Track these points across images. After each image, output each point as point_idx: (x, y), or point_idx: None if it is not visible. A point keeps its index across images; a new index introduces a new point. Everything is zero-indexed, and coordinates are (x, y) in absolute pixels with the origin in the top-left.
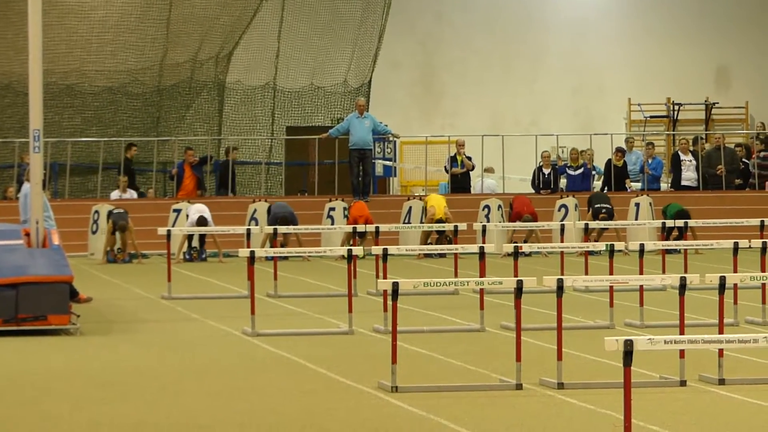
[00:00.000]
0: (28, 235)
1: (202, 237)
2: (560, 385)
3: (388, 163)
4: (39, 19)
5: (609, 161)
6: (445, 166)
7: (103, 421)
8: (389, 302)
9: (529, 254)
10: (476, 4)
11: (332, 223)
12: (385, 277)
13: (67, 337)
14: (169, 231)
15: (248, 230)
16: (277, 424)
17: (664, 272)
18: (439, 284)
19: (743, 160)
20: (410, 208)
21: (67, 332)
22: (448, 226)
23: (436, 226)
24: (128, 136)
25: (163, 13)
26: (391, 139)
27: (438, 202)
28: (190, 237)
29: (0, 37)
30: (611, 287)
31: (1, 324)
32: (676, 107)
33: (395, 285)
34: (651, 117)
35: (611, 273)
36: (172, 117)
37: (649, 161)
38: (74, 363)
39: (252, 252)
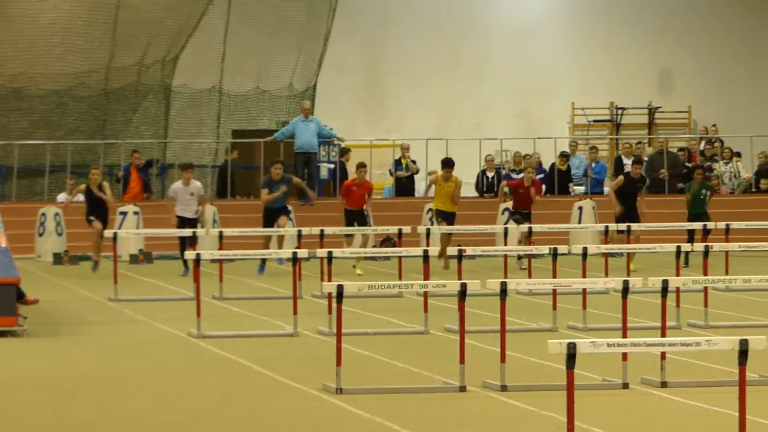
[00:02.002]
0: None
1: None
2: (503, 388)
3: (332, 166)
4: None
5: (553, 165)
6: (389, 170)
7: (50, 422)
8: (334, 305)
9: (474, 257)
10: (421, 8)
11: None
12: (329, 280)
13: (14, 338)
14: (115, 233)
15: (193, 233)
16: (223, 426)
17: (606, 275)
18: (383, 287)
19: (686, 163)
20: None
21: (13, 334)
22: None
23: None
24: (74, 139)
25: (110, 16)
26: (335, 142)
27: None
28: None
29: None
30: (554, 290)
31: None
32: (619, 111)
33: (340, 288)
34: (594, 121)
35: (554, 276)
36: (119, 120)
37: (593, 165)
38: (21, 365)
39: (198, 254)
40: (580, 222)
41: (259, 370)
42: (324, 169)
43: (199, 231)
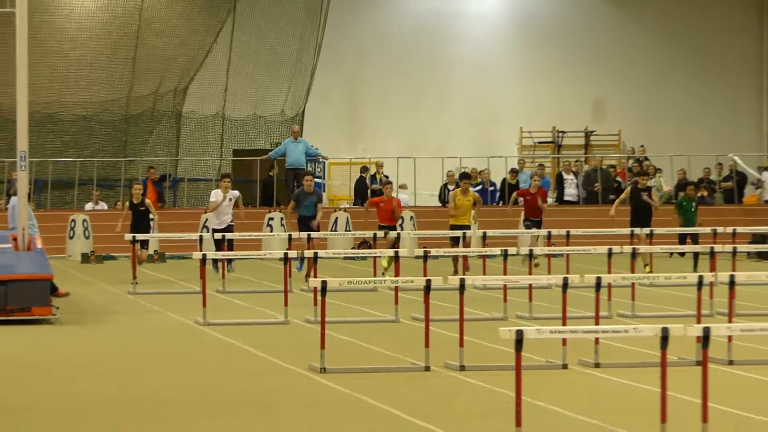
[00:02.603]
0: (15, 239)
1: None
2: (462, 368)
3: (318, 180)
4: (25, 58)
5: (504, 180)
6: (367, 184)
7: (79, 397)
8: (319, 297)
9: (437, 257)
10: (393, 47)
11: (271, 231)
12: (315, 276)
13: (48, 326)
14: (134, 237)
15: (200, 236)
16: (224, 399)
17: (549, 273)
18: (360, 282)
19: (616, 179)
20: (336, 218)
21: (48, 322)
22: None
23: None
24: (100, 157)
25: (130, 53)
26: (320, 160)
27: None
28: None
29: None
30: (505, 285)
31: None
32: (560, 134)
33: (324, 283)
34: (539, 143)
35: (505, 273)
36: (137, 141)
37: (544, 180)
38: (54, 348)
39: (204, 255)
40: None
41: (255, 353)
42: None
43: (230, 235)
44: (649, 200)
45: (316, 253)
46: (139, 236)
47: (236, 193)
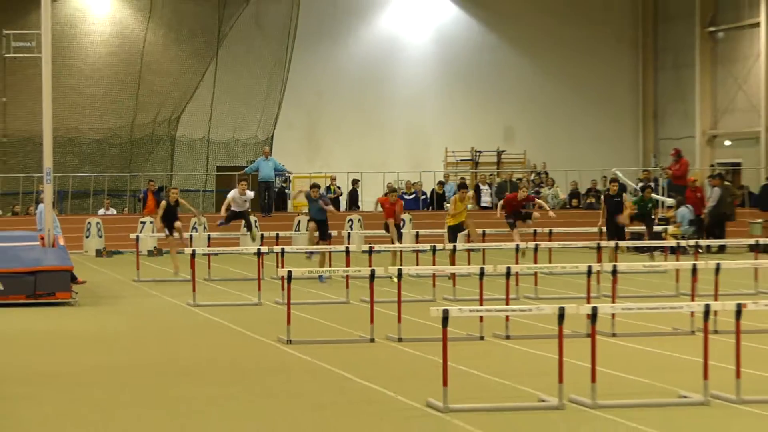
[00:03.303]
0: (42, 238)
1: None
2: (400, 339)
3: (282, 185)
4: (49, 93)
5: (433, 190)
6: (330, 190)
7: (96, 365)
8: (286, 284)
9: (380, 251)
10: (344, 85)
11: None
12: (283, 267)
13: (69, 307)
14: (137, 236)
15: (191, 236)
16: (209, 365)
17: (469, 264)
18: (318, 272)
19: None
20: (299, 221)
21: (69, 304)
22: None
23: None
24: (110, 172)
25: (134, 89)
26: (286, 174)
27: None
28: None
29: (23, 105)
30: (434, 274)
31: (24, 299)
32: (477, 153)
33: (289, 272)
34: (461, 160)
35: (434, 264)
36: (139, 159)
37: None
38: (74, 325)
39: (194, 251)
40: None
41: (234, 328)
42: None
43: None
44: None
45: (283, 249)
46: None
47: (251, 194)
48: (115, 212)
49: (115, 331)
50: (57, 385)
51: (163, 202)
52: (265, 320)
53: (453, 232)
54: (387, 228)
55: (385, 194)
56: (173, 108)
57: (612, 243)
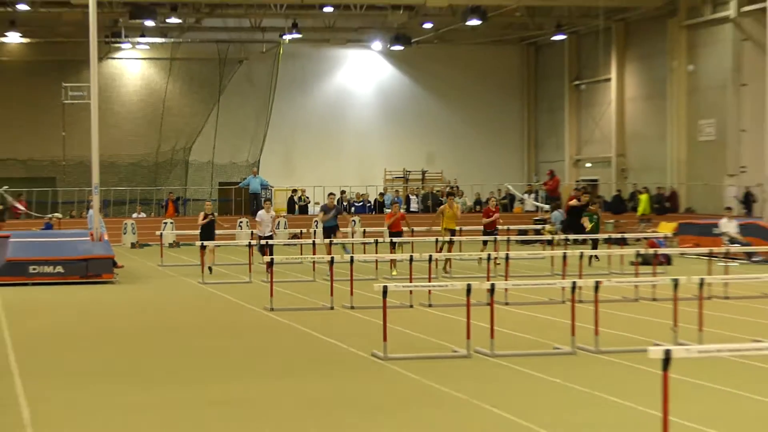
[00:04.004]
0: (92, 235)
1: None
2: (352, 307)
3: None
4: (96, 129)
5: (375, 199)
6: (295, 202)
7: (134, 327)
8: (271, 268)
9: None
10: (311, 122)
11: (241, 228)
12: (269, 255)
13: (111, 285)
14: (161, 233)
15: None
16: (213, 327)
17: (402, 253)
18: (294, 260)
19: (440, 198)
20: (279, 221)
21: (111, 283)
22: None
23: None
24: (141, 187)
25: (157, 125)
26: (269, 188)
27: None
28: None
29: (78, 138)
30: (376, 260)
31: (78, 278)
32: (408, 172)
33: (272, 259)
34: (396, 177)
35: (376, 253)
36: (162, 177)
37: (396, 198)
38: (116, 298)
39: (202, 243)
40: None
41: (232, 299)
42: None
43: (272, 241)
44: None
45: (267, 242)
46: (207, 242)
47: (274, 213)
48: (144, 215)
49: (144, 301)
50: (104, 339)
51: (201, 213)
52: (255, 294)
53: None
54: (393, 236)
55: (391, 208)
56: (186, 140)
57: (505, 237)
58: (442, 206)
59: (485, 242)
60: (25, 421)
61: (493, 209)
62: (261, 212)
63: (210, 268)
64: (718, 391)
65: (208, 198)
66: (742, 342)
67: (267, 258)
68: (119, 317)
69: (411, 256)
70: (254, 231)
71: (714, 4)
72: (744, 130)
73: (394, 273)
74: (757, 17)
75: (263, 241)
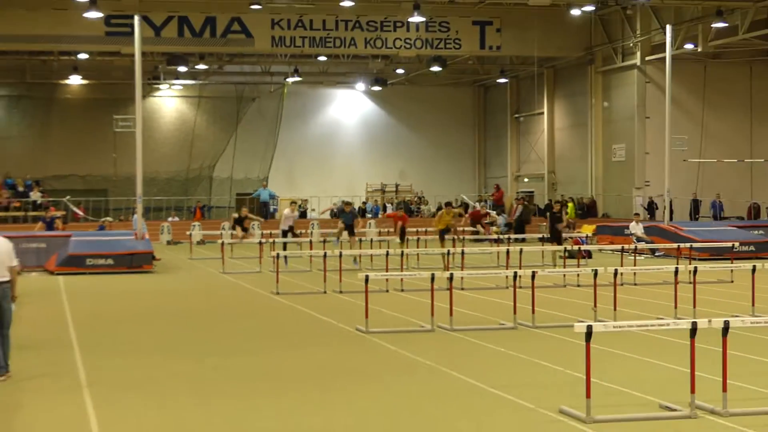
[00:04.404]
0: (135, 235)
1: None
2: (341, 292)
3: (275, 206)
4: (140, 151)
5: (360, 207)
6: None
7: (166, 306)
8: (279, 261)
9: (330, 241)
10: (309, 146)
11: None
12: (273, 250)
13: (151, 274)
14: (191, 233)
15: (221, 232)
16: (229, 308)
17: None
18: (296, 256)
19: (410, 206)
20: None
21: (151, 272)
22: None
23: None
24: (175, 197)
25: (188, 149)
26: (276, 198)
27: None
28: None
29: (126, 159)
30: (360, 254)
31: (126, 269)
32: (384, 185)
33: (278, 254)
34: (374, 189)
35: (352, 248)
36: (192, 189)
37: (375, 207)
38: (155, 285)
39: (222, 242)
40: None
41: (241, 284)
42: (271, 208)
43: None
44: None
45: (274, 240)
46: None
47: (297, 214)
48: (177, 219)
49: (177, 288)
50: (145, 318)
51: (235, 214)
52: (264, 281)
53: (441, 233)
54: (402, 233)
55: (394, 211)
56: (211, 160)
57: (462, 235)
58: (441, 210)
59: (442, 239)
60: (82, 383)
61: (484, 213)
62: (286, 210)
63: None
64: (629, 358)
65: (227, 205)
66: (648, 319)
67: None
68: (157, 300)
69: (387, 251)
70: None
71: (623, 54)
72: (648, 153)
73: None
74: (657, 65)
75: (285, 230)
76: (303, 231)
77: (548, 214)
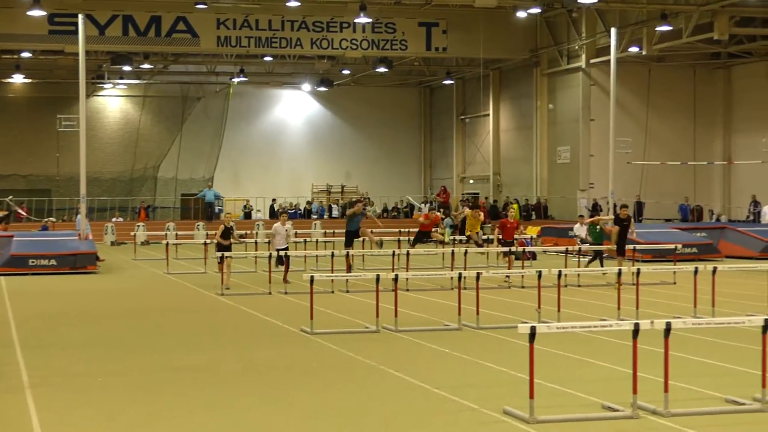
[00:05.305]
0: (79, 235)
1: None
2: (286, 293)
3: (220, 207)
4: (84, 151)
5: (305, 207)
6: (245, 209)
7: (112, 307)
8: (220, 260)
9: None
10: (255, 147)
11: (198, 231)
12: (218, 251)
13: (96, 274)
14: (135, 233)
15: (166, 233)
16: (174, 306)
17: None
18: (240, 255)
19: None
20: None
21: (95, 273)
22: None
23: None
24: (119, 197)
25: (132, 148)
26: (221, 198)
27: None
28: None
29: (69, 158)
30: (305, 256)
31: (69, 269)
32: (330, 186)
33: (222, 255)
34: (320, 191)
35: (334, 251)
36: (136, 190)
37: (322, 209)
38: (99, 285)
39: (167, 242)
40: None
41: (190, 286)
42: (216, 208)
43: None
44: (631, 230)
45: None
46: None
47: (290, 225)
48: (122, 219)
49: (121, 288)
50: (88, 318)
51: (222, 225)
52: (209, 282)
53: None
54: (424, 236)
55: (426, 215)
56: (155, 160)
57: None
58: (468, 212)
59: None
60: (24, 383)
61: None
62: (276, 225)
63: (225, 288)
64: (572, 359)
65: (172, 205)
66: (592, 320)
67: (281, 267)
68: (101, 300)
69: (332, 252)
70: (270, 242)
71: (568, 56)
72: (592, 155)
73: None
74: (602, 68)
75: (281, 253)
76: (248, 232)
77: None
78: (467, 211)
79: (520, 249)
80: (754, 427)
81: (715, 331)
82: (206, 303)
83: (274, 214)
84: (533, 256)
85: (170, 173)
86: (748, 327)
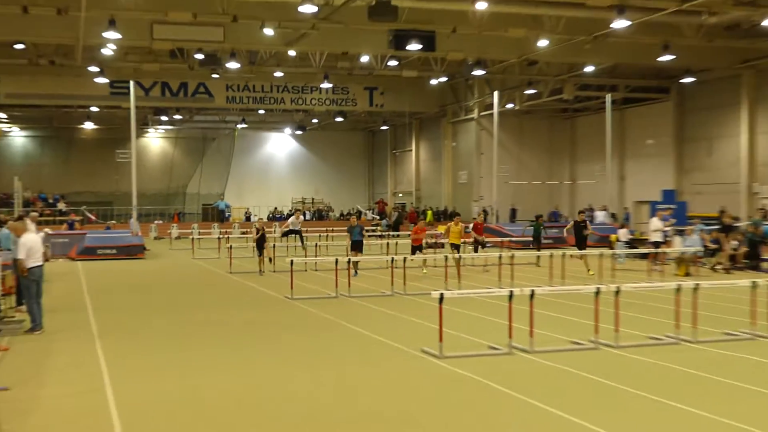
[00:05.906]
0: (132, 233)
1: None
2: (274, 272)
3: (228, 213)
4: (134, 175)
5: (288, 213)
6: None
7: (155, 281)
8: (229, 249)
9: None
10: (253, 172)
11: (214, 230)
12: (228, 245)
13: (144, 260)
14: (171, 231)
15: (192, 231)
16: (197, 281)
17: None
18: (245, 244)
19: (322, 212)
20: (234, 226)
21: (143, 259)
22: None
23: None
24: (158, 206)
25: (168, 173)
26: (229, 206)
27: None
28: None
29: (124, 180)
30: (291, 260)
31: (125, 256)
32: (304, 198)
33: (230, 246)
34: (297, 202)
35: (315, 250)
36: (171, 201)
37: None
38: (145, 266)
39: (192, 237)
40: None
41: (209, 267)
42: (226, 214)
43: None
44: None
45: (228, 236)
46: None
47: (301, 219)
48: (161, 222)
49: (161, 268)
50: (138, 289)
51: (255, 228)
52: (221, 264)
53: (455, 245)
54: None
55: (415, 229)
56: (184, 181)
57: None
58: (451, 222)
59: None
60: (94, 334)
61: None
62: (291, 218)
63: (261, 271)
64: (469, 315)
65: (196, 211)
66: (481, 289)
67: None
68: (146, 277)
69: (317, 249)
70: (282, 228)
71: (466, 110)
72: (482, 177)
73: (425, 271)
74: (488, 118)
75: (286, 231)
76: (248, 230)
77: (573, 222)
78: (451, 223)
79: (434, 240)
80: (589, 358)
81: (565, 295)
82: (219, 279)
83: (270, 218)
84: (442, 246)
85: (194, 190)
86: (585, 293)
